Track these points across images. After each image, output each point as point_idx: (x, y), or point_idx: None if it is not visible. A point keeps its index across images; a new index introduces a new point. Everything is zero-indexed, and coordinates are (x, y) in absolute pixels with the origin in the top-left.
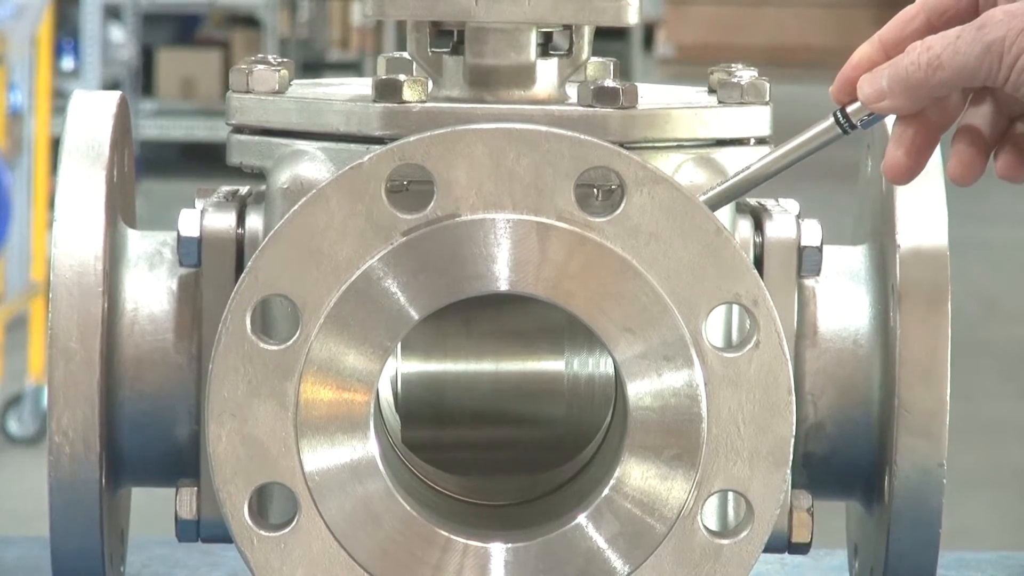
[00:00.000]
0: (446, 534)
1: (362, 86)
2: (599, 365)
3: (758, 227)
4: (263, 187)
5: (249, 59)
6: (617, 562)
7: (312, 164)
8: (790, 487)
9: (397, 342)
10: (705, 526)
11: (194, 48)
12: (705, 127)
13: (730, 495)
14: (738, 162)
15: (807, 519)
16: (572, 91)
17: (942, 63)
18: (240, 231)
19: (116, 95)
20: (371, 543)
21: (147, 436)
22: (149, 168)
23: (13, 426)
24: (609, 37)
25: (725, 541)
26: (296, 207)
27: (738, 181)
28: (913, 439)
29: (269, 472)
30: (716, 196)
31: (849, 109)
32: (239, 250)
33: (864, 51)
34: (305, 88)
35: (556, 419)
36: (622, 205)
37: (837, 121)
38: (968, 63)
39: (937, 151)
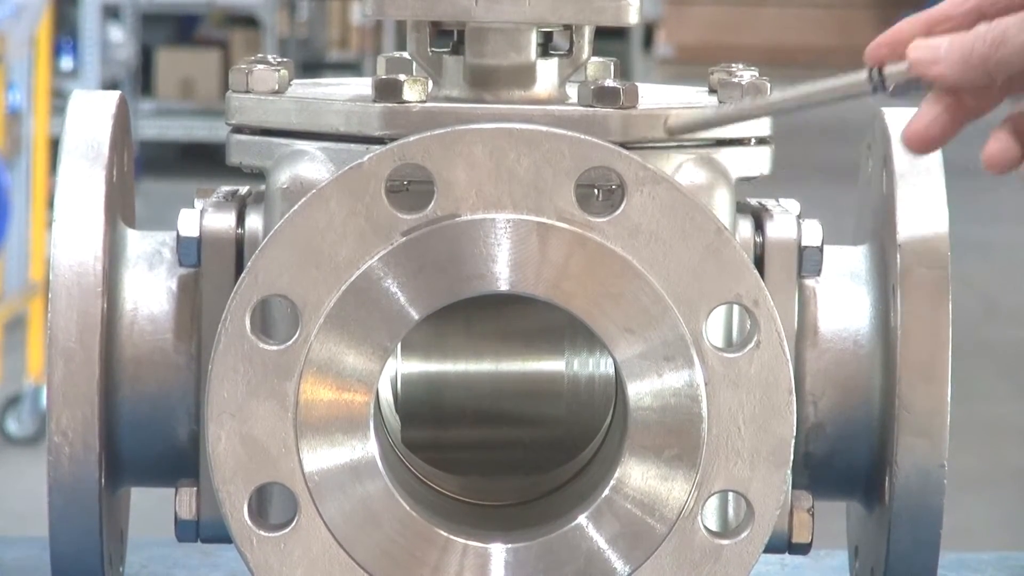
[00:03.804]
0: (446, 534)
1: (362, 86)
2: (599, 365)
3: (759, 227)
4: (263, 187)
5: (248, 59)
6: (617, 562)
7: (312, 164)
8: (790, 487)
9: (397, 342)
10: (705, 526)
11: (193, 48)
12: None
13: (730, 495)
14: (739, 162)
15: (807, 519)
16: (572, 91)
17: (1006, 39)
18: (240, 231)
19: (115, 95)
20: (371, 543)
21: (146, 436)
22: (148, 168)
23: (12, 426)
24: (609, 37)
25: (725, 541)
26: (296, 207)
27: (755, 106)
28: (914, 439)
29: (269, 472)
30: (735, 112)
31: (888, 69)
32: (239, 250)
33: (907, 24)
34: (305, 88)
35: (556, 419)
36: (622, 205)
37: (871, 77)
38: None
39: (939, 152)
